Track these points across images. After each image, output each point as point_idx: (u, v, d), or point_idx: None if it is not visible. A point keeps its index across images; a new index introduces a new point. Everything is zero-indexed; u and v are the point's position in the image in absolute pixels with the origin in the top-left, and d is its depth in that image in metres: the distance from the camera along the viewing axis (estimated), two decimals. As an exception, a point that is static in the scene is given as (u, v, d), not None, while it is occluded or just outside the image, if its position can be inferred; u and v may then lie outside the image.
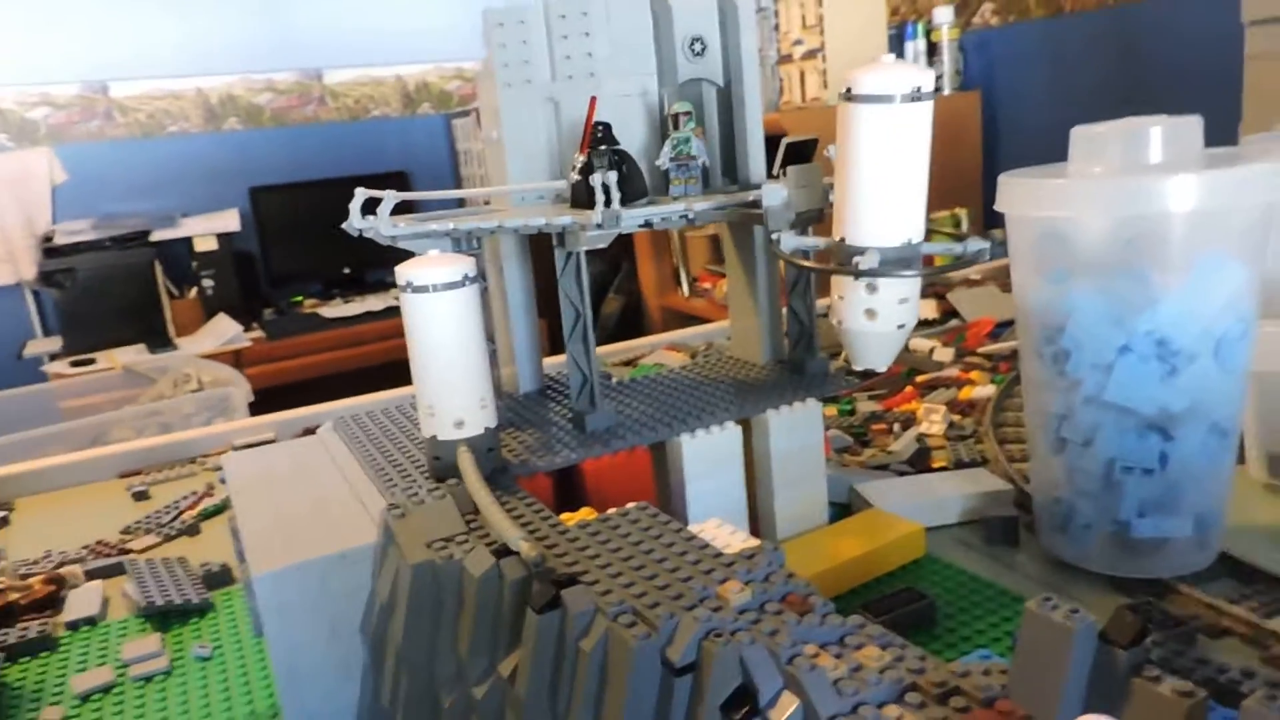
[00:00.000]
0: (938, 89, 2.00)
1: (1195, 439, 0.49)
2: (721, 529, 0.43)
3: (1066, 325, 0.49)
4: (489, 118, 0.64)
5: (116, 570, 0.67)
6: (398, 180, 3.53)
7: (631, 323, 2.59)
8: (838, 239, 0.43)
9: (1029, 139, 2.00)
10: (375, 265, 3.44)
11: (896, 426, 0.81)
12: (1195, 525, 0.51)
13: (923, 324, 1.16)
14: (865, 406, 0.86)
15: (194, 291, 3.10)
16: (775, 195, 0.46)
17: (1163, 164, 0.48)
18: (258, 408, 2.84)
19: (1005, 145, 2.06)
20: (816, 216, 0.49)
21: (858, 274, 0.40)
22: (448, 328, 0.47)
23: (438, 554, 0.42)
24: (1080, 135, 0.50)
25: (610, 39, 0.59)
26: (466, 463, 0.46)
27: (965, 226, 1.97)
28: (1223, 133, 1.18)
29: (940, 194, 2.01)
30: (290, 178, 3.42)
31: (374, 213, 0.53)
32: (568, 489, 0.54)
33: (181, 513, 0.78)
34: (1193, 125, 0.48)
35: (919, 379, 0.93)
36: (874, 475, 0.70)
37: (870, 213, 0.41)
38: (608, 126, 0.56)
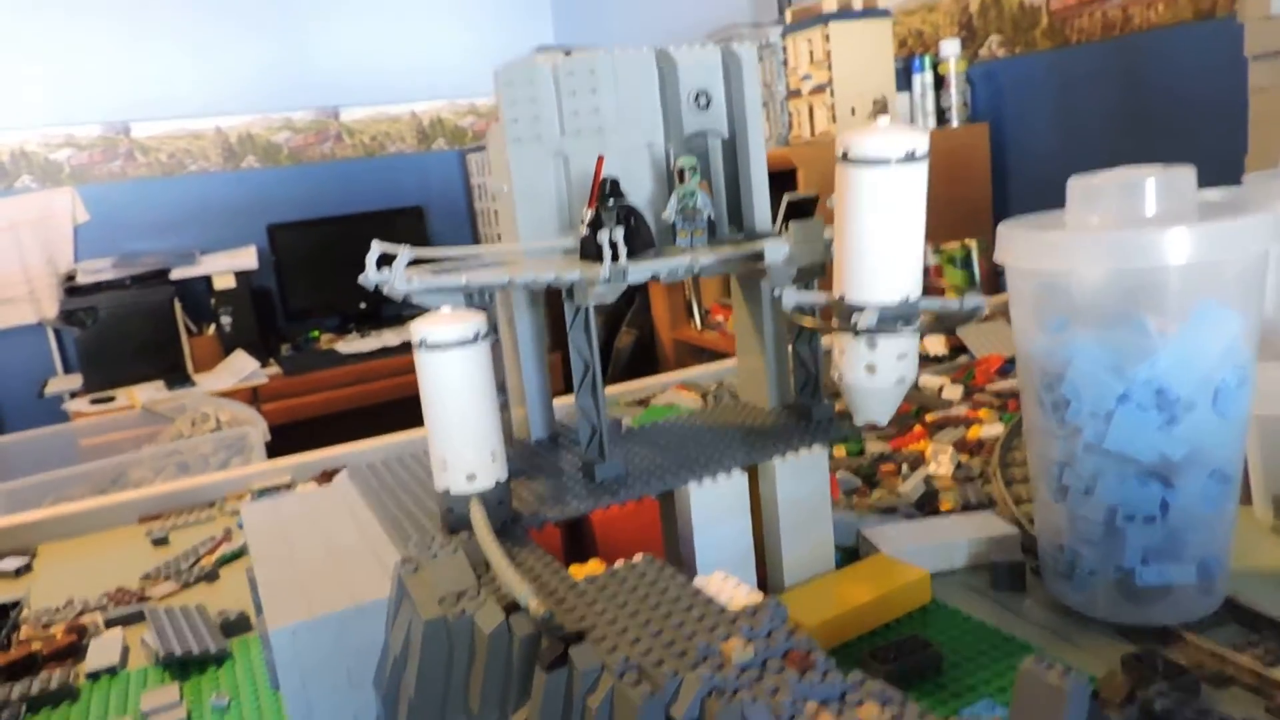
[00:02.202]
0: (945, 120, 2.02)
1: (1196, 486, 0.50)
2: (726, 582, 0.43)
3: (1066, 374, 0.50)
4: (499, 171, 0.66)
5: (137, 618, 0.69)
6: (414, 215, 3.58)
7: (645, 356, 2.61)
8: (837, 296, 0.44)
9: (1038, 169, 2.01)
10: (391, 300, 3.48)
11: (905, 467, 0.81)
12: (1199, 572, 0.51)
13: (932, 360, 1.16)
14: (875, 447, 0.87)
15: (212, 328, 3.14)
16: (777, 252, 0.47)
17: (1158, 215, 0.49)
18: (275, 443, 2.87)
19: (1015, 175, 2.08)
20: (819, 270, 0.50)
21: (856, 332, 0.41)
22: (460, 384, 0.49)
23: (450, 609, 0.42)
24: (1077, 186, 0.51)
25: (617, 95, 0.61)
26: (478, 517, 0.47)
27: (975, 257, 1.97)
28: (1229, 162, 1.19)
29: (951, 225, 2.02)
30: (307, 214, 3.47)
31: (389, 264, 0.55)
32: (578, 538, 0.55)
33: (200, 559, 0.79)
34: (1186, 175, 0.49)
35: (928, 418, 0.94)
36: (882, 519, 0.70)
37: (868, 272, 0.42)
38: (615, 182, 0.58)
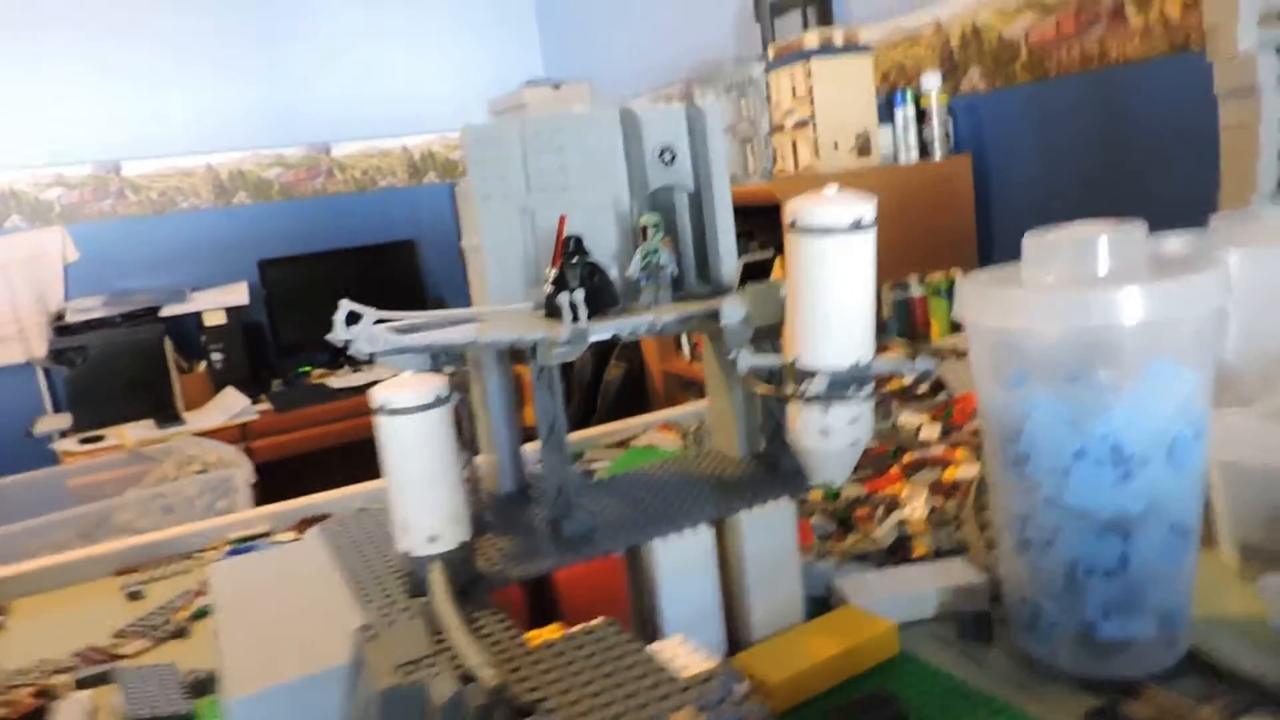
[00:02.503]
0: (927, 153, 2.04)
1: (1155, 539, 0.50)
2: (683, 646, 0.43)
3: (1024, 429, 0.50)
4: (469, 227, 0.66)
5: (106, 679, 0.68)
6: (405, 249, 3.59)
7: (635, 389, 2.61)
8: (790, 360, 0.44)
9: (1021, 198, 2.03)
10: (382, 333, 3.49)
11: (880, 510, 0.82)
12: (1160, 624, 0.52)
13: (912, 397, 1.17)
14: (851, 490, 0.87)
15: (203, 365, 3.14)
16: (733, 313, 0.48)
17: (1111, 273, 0.49)
18: (266, 480, 2.87)
19: (998, 205, 2.09)
20: (776, 330, 0.51)
21: (805, 399, 0.42)
22: (420, 448, 0.49)
23: (405, 678, 0.42)
24: (1032, 243, 0.52)
25: (582, 153, 0.62)
26: (437, 582, 0.47)
27: (960, 288, 1.99)
28: (1205, 194, 1.20)
29: (936, 256, 2.04)
30: (299, 249, 3.48)
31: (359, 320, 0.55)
32: (542, 597, 0.55)
33: (175, 613, 0.79)
34: (1137, 231, 0.50)
35: (905, 458, 0.94)
36: (854, 566, 0.70)
37: (818, 337, 0.42)
38: (579, 240, 0.59)
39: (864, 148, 1.93)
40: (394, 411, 0.48)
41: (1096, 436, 0.48)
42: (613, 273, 0.61)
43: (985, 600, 0.62)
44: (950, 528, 0.77)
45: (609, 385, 2.49)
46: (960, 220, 2.05)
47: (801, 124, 1.92)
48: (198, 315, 3.16)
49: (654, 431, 1.12)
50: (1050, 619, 0.53)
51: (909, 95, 2.02)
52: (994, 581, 0.64)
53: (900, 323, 1.92)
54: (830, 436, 0.44)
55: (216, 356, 3.17)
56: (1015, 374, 0.51)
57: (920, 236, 1.99)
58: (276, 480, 2.92)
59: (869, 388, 0.44)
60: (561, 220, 0.57)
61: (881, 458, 0.95)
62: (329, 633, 0.50)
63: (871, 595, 0.63)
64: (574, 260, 0.57)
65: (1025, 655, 0.56)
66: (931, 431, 1.01)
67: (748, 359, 0.47)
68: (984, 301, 0.50)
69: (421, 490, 0.49)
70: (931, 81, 2.01)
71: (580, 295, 0.51)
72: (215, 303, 3.18)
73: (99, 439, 2.83)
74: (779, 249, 1.95)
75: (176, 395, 3.05)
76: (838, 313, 0.42)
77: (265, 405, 3.09)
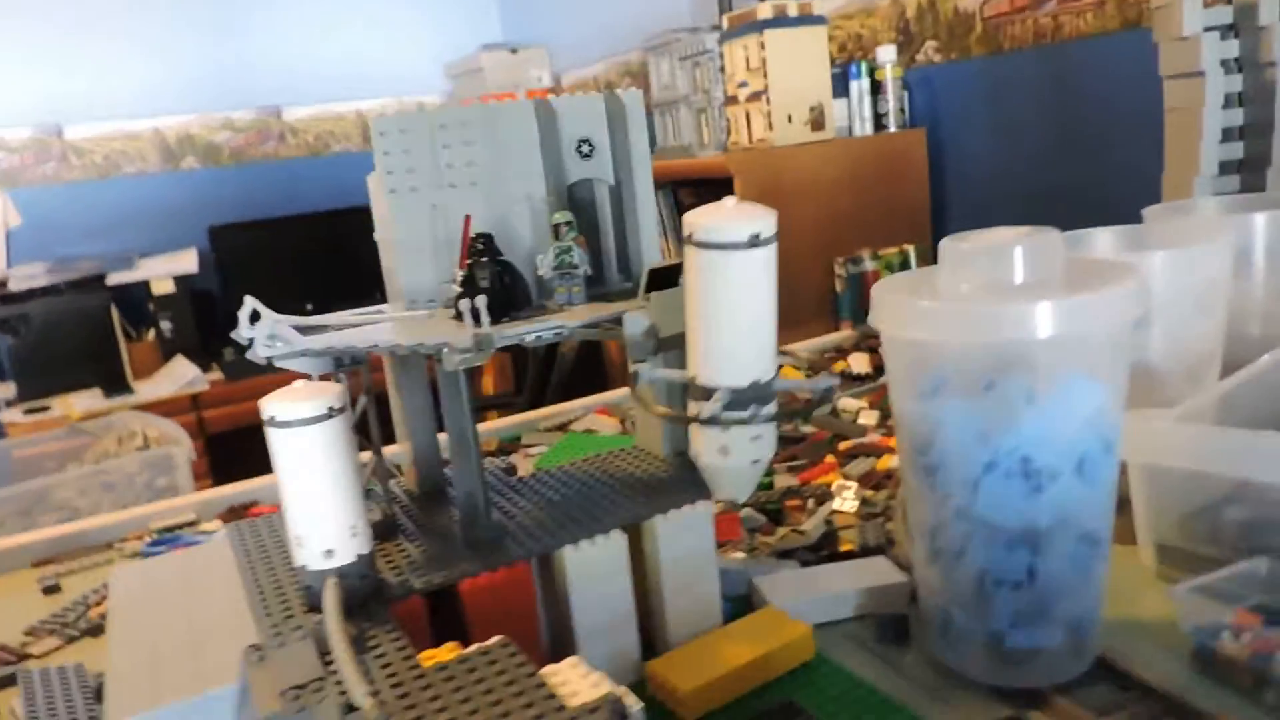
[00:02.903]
0: (883, 126, 2.02)
1: (1064, 551, 0.50)
2: (576, 670, 0.42)
3: (935, 440, 0.50)
4: (379, 220, 0.64)
5: (10, 681, 0.66)
6: (360, 215, 3.52)
7: (592, 361, 2.59)
8: (690, 376, 0.43)
9: (975, 171, 2.03)
10: (337, 302, 3.43)
11: (811, 502, 0.81)
12: (1069, 634, 0.51)
13: (854, 379, 1.16)
14: (783, 480, 0.86)
15: (152, 334, 3.08)
16: (636, 324, 0.46)
17: (1025, 284, 0.48)
18: (218, 451, 2.82)
19: (952, 179, 2.09)
20: (681, 341, 0.49)
21: (701, 422, 0.40)
22: (314, 461, 0.47)
23: (290, 704, 0.41)
24: (948, 250, 0.51)
25: (494, 146, 0.60)
26: (329, 601, 0.46)
27: (914, 263, 1.98)
28: (1153, 170, 1.19)
29: (889, 230, 2.03)
30: (250, 215, 3.40)
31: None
32: (447, 608, 0.53)
33: (89, 609, 0.77)
34: (1053, 241, 0.49)
35: (841, 446, 0.93)
36: (778, 563, 0.70)
37: (716, 355, 0.41)
38: (488, 238, 0.57)
39: (818, 121, 1.91)
40: (283, 425, 0.46)
41: (1006, 449, 0.48)
42: (528, 270, 0.59)
43: (905, 601, 0.62)
44: (880, 520, 0.77)
45: (564, 360, 2.47)
46: (915, 194, 2.04)
47: (755, 96, 1.89)
48: (146, 283, 3.08)
49: (594, 415, 1.11)
50: (961, 627, 0.53)
51: (864, 68, 2.00)
52: (916, 580, 0.63)
53: (852, 298, 1.92)
54: (730, 454, 0.43)
55: (166, 325, 3.10)
56: (928, 385, 0.50)
57: (874, 210, 1.99)
58: (229, 450, 2.88)
59: (771, 406, 0.42)
60: (466, 221, 0.55)
61: (818, 445, 0.95)
62: (222, 651, 0.49)
63: (791, 596, 0.63)
64: (483, 259, 0.55)
65: (940, 662, 0.55)
66: (869, 418, 1.00)
67: (649, 373, 0.45)
68: (897, 312, 0.49)
69: (315, 504, 0.47)
70: (887, 54, 1.98)
71: (483, 301, 0.50)
72: (164, 270, 3.10)
73: (45, 409, 2.76)
74: (654, 285, 1.94)
75: (125, 364, 2.99)
76: (735, 330, 0.40)
77: (217, 375, 3.04)
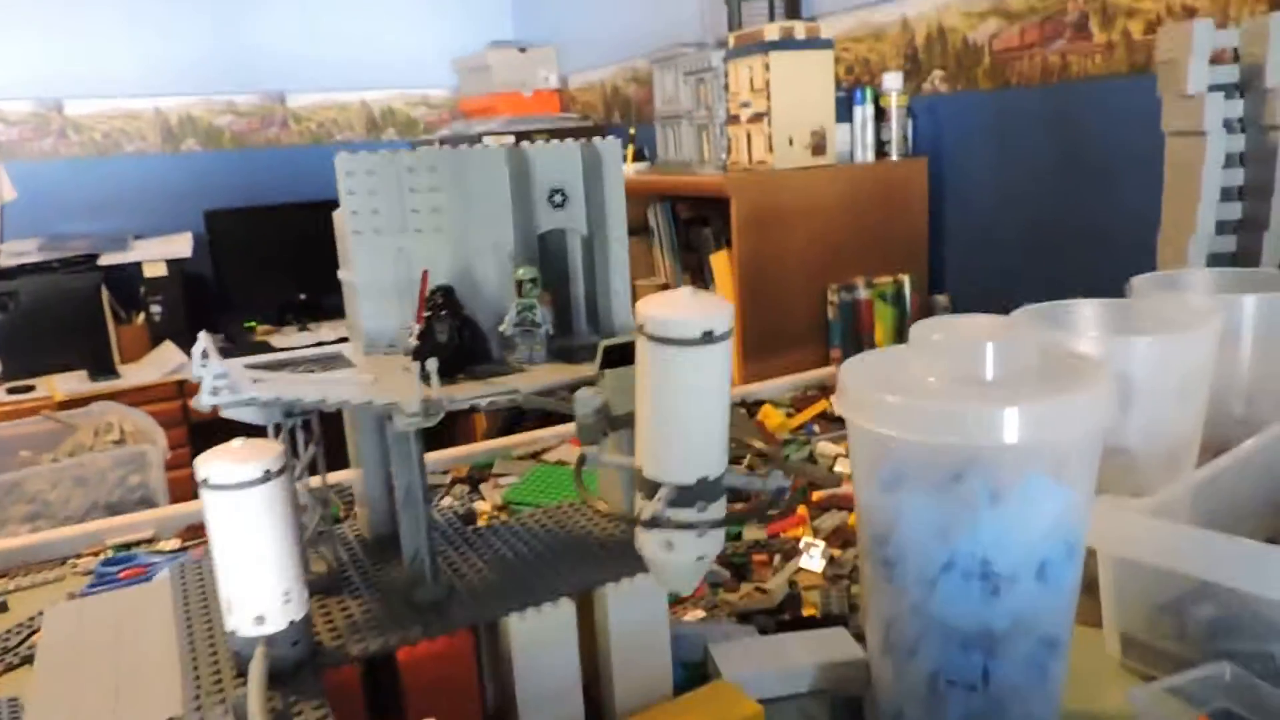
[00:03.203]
0: (885, 153, 2.01)
1: (1020, 654, 0.48)
2: (503, 768, 0.41)
3: (893, 535, 0.48)
4: (343, 259, 0.62)
5: (-59, 710, 0.64)
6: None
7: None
8: (637, 467, 0.41)
9: (975, 204, 2.01)
10: (332, 291, 3.41)
11: (778, 559, 0.79)
12: (1023, 738, 0.50)
13: (837, 422, 1.15)
14: (752, 533, 0.85)
15: (141, 317, 3.05)
16: (587, 404, 0.45)
17: (996, 380, 0.47)
18: (202, 440, 2.80)
19: (951, 210, 2.07)
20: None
21: (643, 524, 0.39)
22: (248, 526, 0.45)
23: (200, 790, 0.39)
24: (920, 335, 0.49)
25: (463, 192, 0.58)
26: (254, 675, 0.44)
27: (908, 293, 1.97)
28: (1151, 216, 1.17)
29: (885, 259, 2.01)
30: (248, 201, 3.37)
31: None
32: (384, 675, 0.52)
33: (33, 633, 0.75)
34: (1026, 339, 0.47)
35: (814, 496, 0.92)
36: (735, 629, 0.68)
37: (662, 450, 0.39)
38: (449, 290, 0.55)
39: (819, 145, 1.89)
40: (216, 487, 0.44)
41: (965, 550, 0.46)
42: (493, 319, 0.58)
43: (862, 680, 0.60)
44: (845, 583, 0.75)
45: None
46: (913, 224, 2.03)
47: (757, 117, 1.87)
48: (138, 265, 3.05)
49: (567, 445, 1.09)
50: (912, 724, 0.51)
51: (869, 94, 1.98)
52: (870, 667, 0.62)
53: (845, 326, 1.90)
54: (675, 550, 0.41)
55: (156, 309, 3.07)
56: (889, 477, 0.48)
57: (871, 238, 1.97)
58: (212, 439, 2.84)
59: (719, 504, 0.41)
60: (424, 276, 0.53)
61: (791, 495, 0.93)
62: (143, 715, 0.47)
63: (746, 667, 0.61)
64: (442, 313, 0.54)
65: (888, 754, 0.54)
66: (846, 466, 0.98)
67: (596, 458, 0.44)
68: (862, 401, 0.47)
69: (248, 570, 0.46)
70: (893, 81, 1.97)
71: (434, 365, 0.48)
72: (157, 253, 3.08)
73: (29, 389, 2.74)
74: (729, 240, 1.92)
75: (113, 347, 2.96)
76: (683, 426, 0.38)
77: (205, 361, 3.01)
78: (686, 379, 0.37)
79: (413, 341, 0.53)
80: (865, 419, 0.47)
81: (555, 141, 0.59)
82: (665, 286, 2.28)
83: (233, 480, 0.44)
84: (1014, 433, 0.43)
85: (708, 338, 0.37)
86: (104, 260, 2.99)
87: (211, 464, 0.45)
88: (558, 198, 0.60)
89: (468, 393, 0.50)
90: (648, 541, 0.41)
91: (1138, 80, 1.61)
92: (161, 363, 2.89)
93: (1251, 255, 1.11)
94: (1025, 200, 1.88)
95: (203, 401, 0.51)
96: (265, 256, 3.32)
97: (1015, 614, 0.47)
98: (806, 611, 0.72)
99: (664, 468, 0.39)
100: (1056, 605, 0.48)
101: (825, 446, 1.04)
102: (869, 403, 0.47)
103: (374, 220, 0.58)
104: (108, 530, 0.91)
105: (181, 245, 3.13)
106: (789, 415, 1.15)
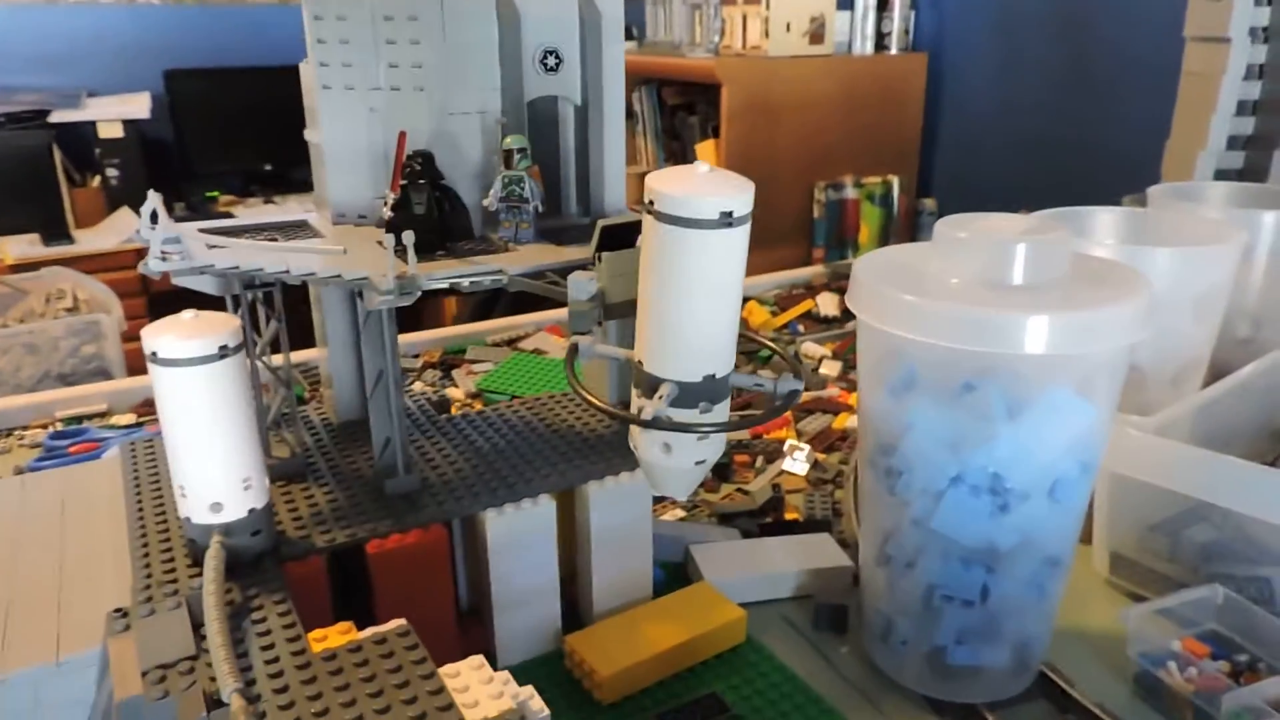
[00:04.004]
0: (884, 46, 1.92)
1: (1023, 573, 0.46)
2: (479, 673, 0.38)
3: (900, 444, 0.45)
4: (311, 117, 0.56)
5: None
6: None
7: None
8: (637, 360, 0.37)
9: (973, 107, 1.95)
10: (301, 163, 3.27)
11: (761, 460, 0.77)
12: (1014, 654, 0.48)
13: (821, 322, 1.11)
14: (735, 432, 0.82)
15: (97, 180, 2.92)
16: (581, 289, 0.40)
17: (1024, 285, 0.43)
18: (159, 312, 2.72)
19: (948, 112, 2.01)
20: (632, 309, 0.43)
21: (643, 424, 0.35)
22: (200, 406, 0.41)
23: (151, 687, 0.36)
24: (944, 232, 0.45)
25: (446, 48, 0.52)
26: (210, 568, 0.41)
27: (896, 194, 1.92)
28: (1158, 129, 1.13)
29: (876, 158, 1.95)
30: (211, 62, 3.19)
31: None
32: (351, 570, 0.49)
33: (-24, 504, 0.71)
34: (1060, 243, 0.44)
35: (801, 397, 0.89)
36: (716, 531, 0.66)
37: (667, 343, 0.35)
38: (428, 157, 0.50)
39: (817, 34, 1.80)
40: (166, 362, 0.40)
41: (976, 464, 0.43)
42: (475, 192, 0.53)
43: (846, 587, 0.59)
44: (829, 488, 0.73)
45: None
46: (907, 123, 1.96)
47: (754, -1, 1.78)
48: (92, 124, 2.90)
49: (544, 333, 1.05)
50: (902, 636, 0.49)
51: (873, -21, 1.89)
52: (860, 577, 0.60)
53: (830, 225, 1.86)
54: (673, 453, 0.38)
55: (112, 172, 2.93)
56: (900, 381, 0.45)
57: (863, 135, 1.90)
58: (172, 310, 2.77)
59: (724, 406, 0.37)
60: (401, 138, 0.47)
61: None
62: (89, 605, 0.44)
63: (728, 571, 0.59)
64: (420, 182, 0.48)
65: (875, 664, 0.52)
66: (831, 368, 0.96)
67: (589, 349, 0.40)
68: (877, 301, 0.43)
69: (202, 454, 0.42)
70: (899, -33, 1.87)
71: (410, 238, 0.43)
72: (113, 113, 2.91)
73: (-22, 250, 2.62)
74: (716, 130, 1.84)
75: (67, 210, 2.84)
76: (693, 318, 0.35)
77: (165, 231, 2.90)
78: (700, 265, 0.33)
79: (387, 212, 0.48)
80: (879, 318, 0.43)
81: (555, -7, 0.53)
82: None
83: (184, 355, 0.40)
84: (1040, 343, 0.40)
85: (726, 219, 0.33)
86: (55, 117, 2.83)
87: (160, 336, 0.40)
88: (551, 60, 0.54)
89: (447, 270, 0.46)
90: (644, 442, 0.38)
91: (1155, -19, 1.54)
92: (119, 229, 2.78)
93: (1258, 173, 1.07)
94: (1025, 105, 1.81)
95: (150, 267, 0.47)
96: (230, 123, 3.16)
97: (1023, 532, 0.44)
98: (789, 515, 0.70)
99: (668, 363, 0.36)
100: (1064, 525, 0.46)
101: (810, 347, 1.01)
102: (884, 301, 0.43)
103: (345, 74, 0.52)
104: (58, 401, 0.87)
105: (139, 106, 2.96)
106: (773, 314, 1.12)
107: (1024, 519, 0.44)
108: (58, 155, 2.78)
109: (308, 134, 0.57)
